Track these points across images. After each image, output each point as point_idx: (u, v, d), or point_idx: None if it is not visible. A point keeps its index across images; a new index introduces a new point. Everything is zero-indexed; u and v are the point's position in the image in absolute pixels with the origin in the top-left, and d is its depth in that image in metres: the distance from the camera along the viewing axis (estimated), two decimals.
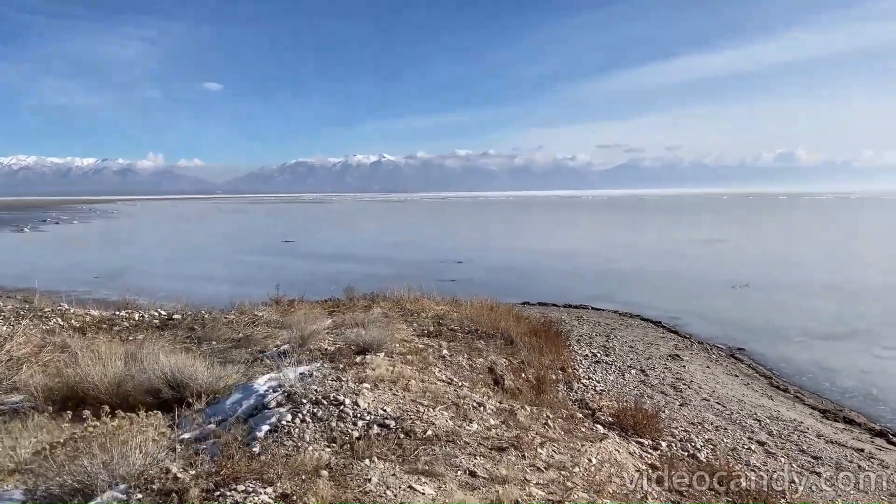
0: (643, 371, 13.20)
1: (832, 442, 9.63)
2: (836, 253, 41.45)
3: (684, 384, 12.49)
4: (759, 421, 10.37)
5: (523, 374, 10.93)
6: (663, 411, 10.35)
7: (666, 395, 11.64)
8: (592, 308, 22.60)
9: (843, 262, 36.40)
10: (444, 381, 8.55)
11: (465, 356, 10.49)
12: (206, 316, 12.39)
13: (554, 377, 11.39)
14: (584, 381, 11.65)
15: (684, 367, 14.21)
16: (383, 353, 9.53)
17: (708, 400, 11.41)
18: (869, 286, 27.07)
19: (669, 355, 15.19)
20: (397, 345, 10.35)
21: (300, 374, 7.80)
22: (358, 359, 9.21)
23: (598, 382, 11.78)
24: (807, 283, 28.16)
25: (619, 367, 13.23)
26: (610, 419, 9.47)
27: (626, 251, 45.93)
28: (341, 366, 8.24)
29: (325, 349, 9.78)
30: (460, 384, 8.60)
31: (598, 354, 14.20)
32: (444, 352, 10.55)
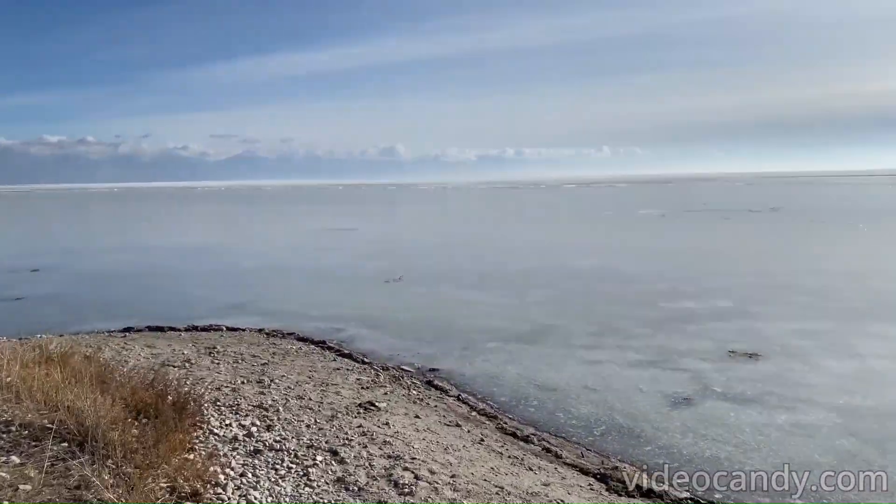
0: (335, 453, 7.76)
1: None
2: (472, 237, 42.00)
3: (408, 470, 7.45)
4: None
5: None
6: None
7: None
8: (227, 328, 16.26)
9: (478, 245, 36.42)
10: None
11: None
12: None
13: None
14: None
15: (387, 423, 9.23)
16: None
17: None
18: (514, 269, 26.26)
19: (359, 404, 10.05)
20: None
21: None
22: None
23: None
24: (450, 271, 26.24)
25: (296, 454, 7.54)
26: None
27: (257, 246, 40.11)
28: None
29: None
30: None
31: (256, 431, 8.27)
32: None
